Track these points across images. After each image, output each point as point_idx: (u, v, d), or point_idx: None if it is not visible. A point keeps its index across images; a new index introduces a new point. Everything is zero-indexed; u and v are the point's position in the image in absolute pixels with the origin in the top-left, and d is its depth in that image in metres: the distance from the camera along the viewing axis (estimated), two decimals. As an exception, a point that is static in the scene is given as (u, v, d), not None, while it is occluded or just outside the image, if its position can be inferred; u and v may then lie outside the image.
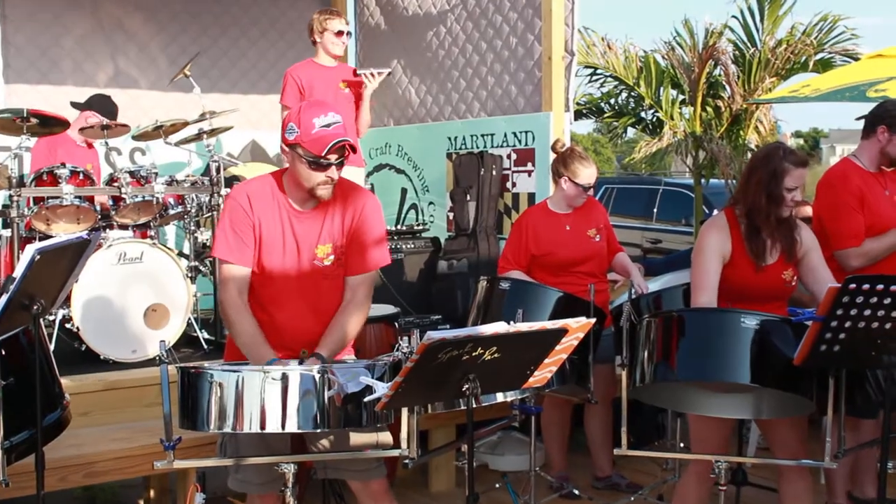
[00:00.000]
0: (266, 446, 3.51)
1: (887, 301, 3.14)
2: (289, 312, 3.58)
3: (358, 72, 6.41)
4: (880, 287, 3.11)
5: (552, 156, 5.24)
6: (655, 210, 13.20)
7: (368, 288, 3.68)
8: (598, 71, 11.52)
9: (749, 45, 11.19)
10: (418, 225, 7.49)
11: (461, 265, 7.01)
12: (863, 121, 4.72)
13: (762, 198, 3.85)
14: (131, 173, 6.00)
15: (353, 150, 3.51)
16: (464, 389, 2.92)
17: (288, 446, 3.57)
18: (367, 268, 3.65)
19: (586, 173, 5.06)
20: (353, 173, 5.74)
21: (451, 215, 7.42)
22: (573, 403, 5.42)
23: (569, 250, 5.06)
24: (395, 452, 3.34)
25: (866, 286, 3.11)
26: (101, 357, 5.48)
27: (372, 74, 6.33)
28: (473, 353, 2.83)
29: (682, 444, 5.30)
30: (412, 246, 7.16)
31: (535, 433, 4.92)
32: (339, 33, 6.34)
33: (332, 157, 3.44)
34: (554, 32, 6.63)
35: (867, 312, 3.16)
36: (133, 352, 5.55)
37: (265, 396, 3.07)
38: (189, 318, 5.90)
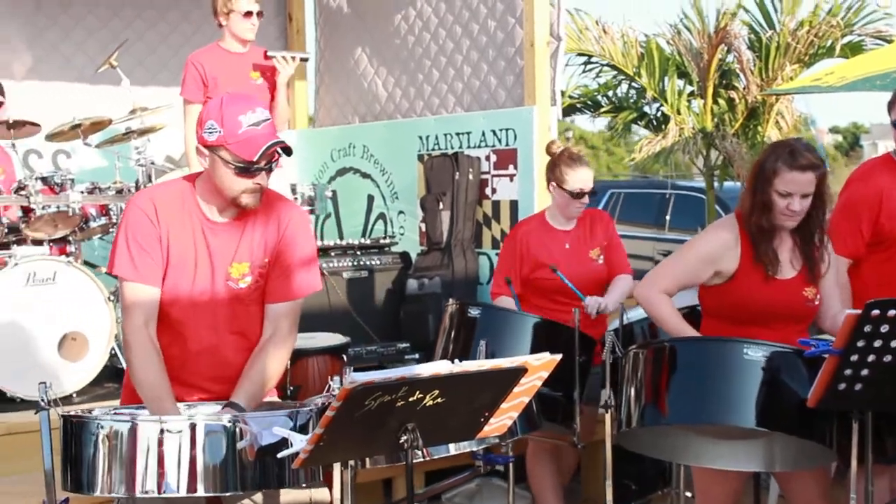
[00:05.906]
0: None
1: (918, 329, 2.99)
2: (202, 344, 3.38)
3: (269, 54, 6.07)
4: (909, 312, 2.96)
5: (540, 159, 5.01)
6: (668, 217, 13.01)
7: (293, 319, 3.49)
8: (593, 59, 11.42)
9: (766, 27, 11.11)
10: (385, 238, 7.27)
11: (433, 284, 6.80)
12: None
13: (748, 201, 3.68)
14: (43, 180, 5.82)
15: (289, 152, 3.35)
16: (401, 441, 2.70)
17: None
18: (292, 295, 3.46)
19: (575, 177, 4.80)
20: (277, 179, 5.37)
21: (423, 226, 7.22)
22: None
23: (567, 273, 4.74)
24: (326, 514, 3.13)
25: (892, 312, 2.96)
26: (8, 394, 5.26)
27: (285, 59, 6.01)
28: (410, 399, 2.61)
29: (688, 494, 5.07)
30: (378, 262, 6.93)
31: (513, 481, 4.72)
32: (248, 14, 5.98)
33: (263, 162, 3.28)
34: (537, 14, 6.44)
35: (894, 343, 3.02)
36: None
37: (164, 451, 2.87)
38: (112, 349, 5.67)
